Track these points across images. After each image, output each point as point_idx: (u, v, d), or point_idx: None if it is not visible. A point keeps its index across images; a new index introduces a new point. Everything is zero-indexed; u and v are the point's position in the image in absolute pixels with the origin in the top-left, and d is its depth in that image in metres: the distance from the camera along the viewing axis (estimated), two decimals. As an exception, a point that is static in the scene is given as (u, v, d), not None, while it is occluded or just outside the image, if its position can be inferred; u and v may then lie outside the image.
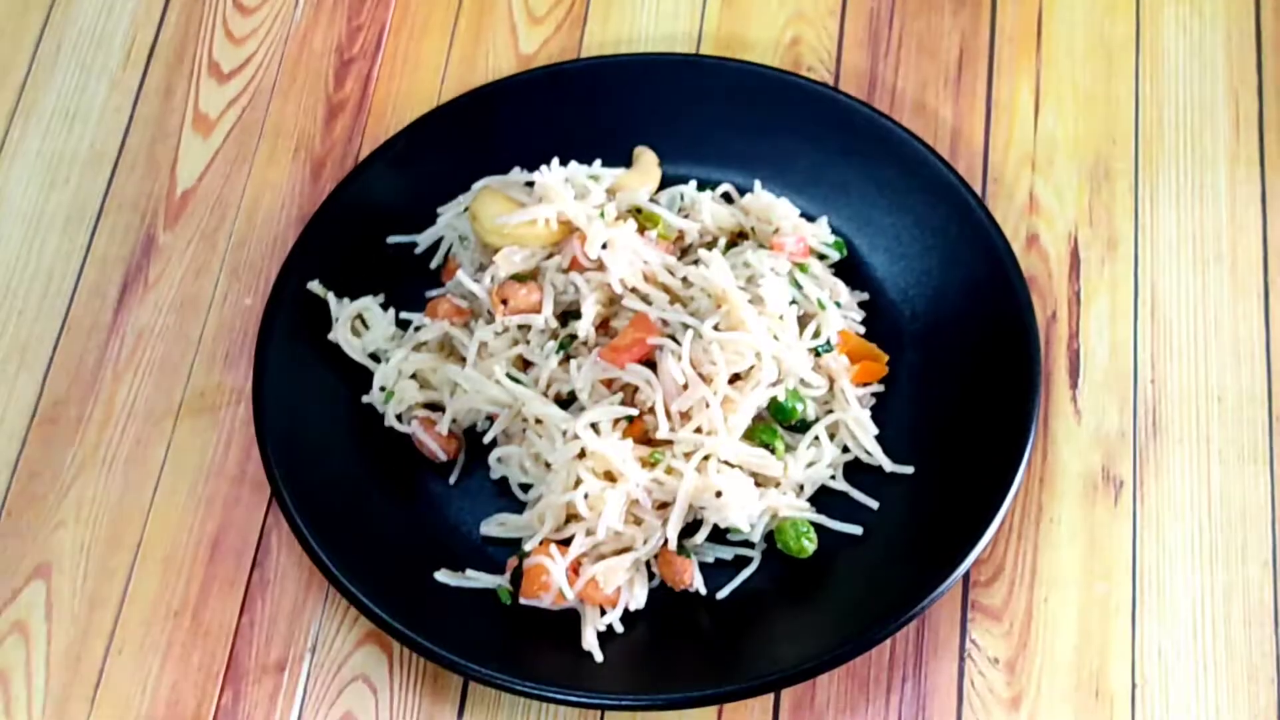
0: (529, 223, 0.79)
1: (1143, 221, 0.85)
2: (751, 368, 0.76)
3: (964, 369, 0.79)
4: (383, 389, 0.80)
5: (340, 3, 0.94)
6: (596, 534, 0.73)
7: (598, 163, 0.84)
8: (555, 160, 0.82)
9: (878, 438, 0.77)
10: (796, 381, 0.77)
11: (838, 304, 0.80)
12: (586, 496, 0.74)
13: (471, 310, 0.80)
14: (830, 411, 0.78)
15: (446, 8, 0.93)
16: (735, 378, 0.76)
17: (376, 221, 0.84)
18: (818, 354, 0.78)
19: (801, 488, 0.77)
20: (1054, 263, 0.84)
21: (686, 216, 0.82)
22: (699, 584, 0.75)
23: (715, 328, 0.75)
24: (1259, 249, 0.84)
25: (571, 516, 0.75)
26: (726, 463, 0.75)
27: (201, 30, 0.93)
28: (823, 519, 0.76)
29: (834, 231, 0.83)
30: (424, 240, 0.84)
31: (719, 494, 0.74)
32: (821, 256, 0.82)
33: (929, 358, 0.80)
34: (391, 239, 0.84)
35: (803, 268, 0.80)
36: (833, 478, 0.77)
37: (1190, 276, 0.83)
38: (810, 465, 0.77)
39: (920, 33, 0.91)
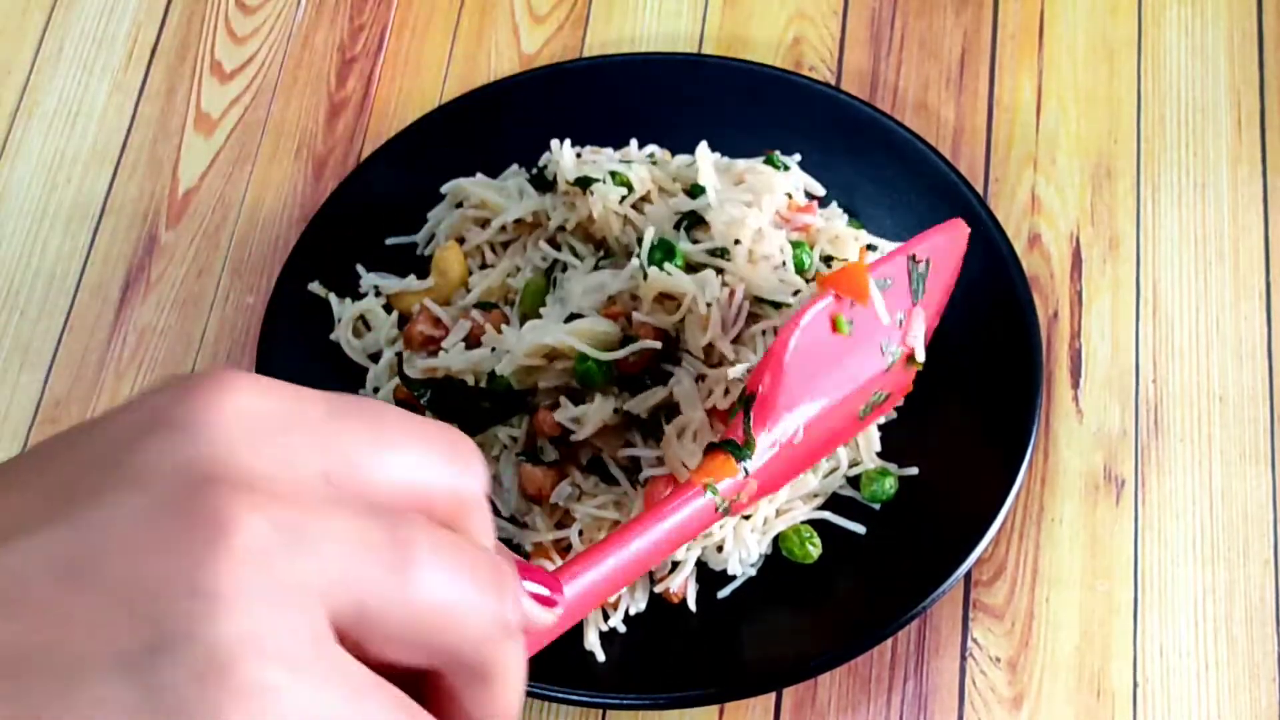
0: None
1: (1145, 221, 0.85)
2: None
3: (966, 369, 0.79)
4: (376, 389, 0.79)
5: (342, 2, 0.94)
6: None
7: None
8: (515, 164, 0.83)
9: (881, 439, 0.77)
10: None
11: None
12: (581, 534, 0.73)
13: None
14: None
15: (449, 7, 0.93)
16: None
17: (379, 221, 0.84)
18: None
19: (814, 495, 0.76)
20: (1056, 262, 0.83)
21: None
22: (691, 598, 0.74)
23: None
24: (1261, 249, 0.84)
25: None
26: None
27: (204, 30, 0.93)
28: (827, 515, 0.75)
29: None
30: (423, 239, 0.84)
31: (720, 549, 0.73)
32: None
33: (931, 357, 0.80)
34: (390, 240, 0.84)
35: None
36: (840, 485, 0.77)
37: (1192, 276, 0.83)
38: (829, 475, 0.76)
39: (922, 32, 0.91)
